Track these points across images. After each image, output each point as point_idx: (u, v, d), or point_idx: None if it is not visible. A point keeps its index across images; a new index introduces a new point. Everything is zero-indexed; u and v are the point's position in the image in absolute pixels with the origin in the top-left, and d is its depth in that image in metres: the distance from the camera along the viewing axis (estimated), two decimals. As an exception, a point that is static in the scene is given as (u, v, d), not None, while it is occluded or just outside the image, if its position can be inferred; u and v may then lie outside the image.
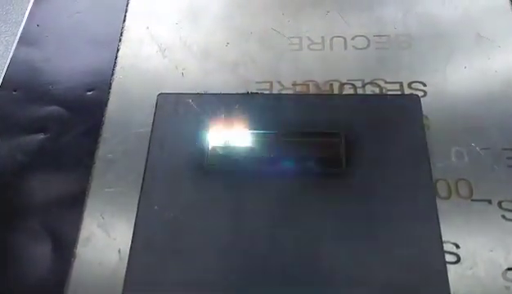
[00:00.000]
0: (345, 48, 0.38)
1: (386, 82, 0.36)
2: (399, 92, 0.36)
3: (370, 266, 0.29)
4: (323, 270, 0.29)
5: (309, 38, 0.39)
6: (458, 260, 0.29)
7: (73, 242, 0.31)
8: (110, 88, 0.38)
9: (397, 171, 0.32)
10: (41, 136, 0.37)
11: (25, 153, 0.36)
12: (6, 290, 0.30)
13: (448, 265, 0.29)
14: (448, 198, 0.31)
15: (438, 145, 0.33)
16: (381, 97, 0.35)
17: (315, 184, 0.32)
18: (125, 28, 0.41)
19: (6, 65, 0.40)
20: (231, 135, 0.34)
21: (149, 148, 0.34)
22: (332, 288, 0.28)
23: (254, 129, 0.34)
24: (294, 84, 0.37)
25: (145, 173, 0.33)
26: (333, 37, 0.39)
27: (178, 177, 0.33)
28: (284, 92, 0.37)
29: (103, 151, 0.35)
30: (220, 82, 0.38)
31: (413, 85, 0.36)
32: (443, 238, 0.29)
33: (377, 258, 0.29)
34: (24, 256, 0.32)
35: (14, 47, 0.42)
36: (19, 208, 0.34)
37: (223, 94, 0.36)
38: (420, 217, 0.30)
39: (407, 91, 0.36)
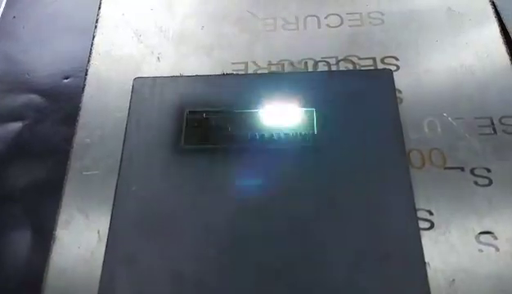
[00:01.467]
0: (319, 27, 0.39)
1: (359, 59, 0.37)
2: (372, 68, 0.36)
3: (343, 235, 0.29)
4: (300, 241, 0.29)
5: (283, 19, 0.40)
6: (432, 226, 0.30)
7: (52, 226, 0.32)
8: (86, 75, 0.38)
9: (370, 144, 0.32)
10: (19, 124, 0.37)
11: (3, 142, 0.36)
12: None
13: (422, 232, 0.29)
14: (422, 167, 0.32)
15: (411, 118, 0.34)
16: (354, 72, 0.36)
17: (290, 159, 0.32)
18: (100, 15, 0.41)
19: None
20: (206, 115, 0.34)
21: (125, 131, 0.34)
22: (306, 256, 0.29)
23: (230, 108, 0.34)
24: (270, 64, 0.37)
25: (122, 155, 0.33)
26: (307, 17, 0.39)
27: (155, 159, 0.33)
28: (258, 72, 0.37)
29: (80, 136, 0.35)
30: (196, 65, 0.38)
31: (386, 60, 0.37)
32: (417, 206, 0.30)
33: (351, 226, 0.29)
34: (4, 240, 0.32)
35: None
36: (2, 196, 0.34)
37: (199, 76, 0.36)
38: (394, 186, 0.30)
39: (380, 66, 0.36)
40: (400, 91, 0.35)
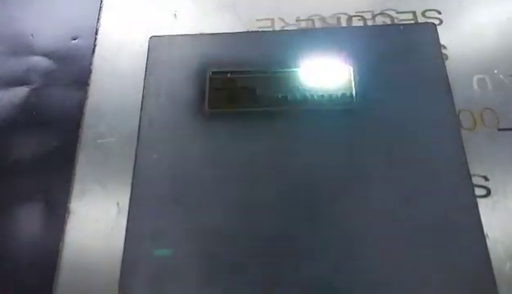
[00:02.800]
0: (351, -22, 0.35)
1: (398, 12, 0.33)
2: (413, 22, 0.33)
3: (394, 206, 0.26)
4: (342, 212, 0.26)
5: (311, -30, 0.36)
6: (488, 194, 0.27)
7: (66, 197, 0.29)
8: (96, 34, 0.35)
9: (415, 105, 0.29)
10: (24, 89, 0.33)
11: (8, 108, 0.33)
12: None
13: (478, 199, 0.26)
14: (473, 128, 0.29)
15: (459, 75, 0.31)
16: (394, 28, 0.32)
17: (327, 123, 0.29)
18: (110, -31, 0.37)
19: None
20: (232, 76, 0.31)
21: (143, 95, 0.31)
22: (355, 225, 0.26)
23: (257, 68, 0.31)
24: (298, 20, 0.34)
25: (140, 121, 0.30)
26: (337, -32, 0.36)
27: (177, 124, 0.30)
28: (287, 29, 0.33)
29: (92, 101, 0.32)
30: (217, 22, 0.35)
31: (427, 13, 0.33)
32: (471, 172, 0.27)
33: (402, 197, 0.26)
34: (12, 216, 0.29)
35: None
36: (6, 166, 0.31)
37: (221, 33, 0.33)
38: (445, 151, 0.28)
39: (421, 20, 0.33)
40: (445, 47, 0.32)
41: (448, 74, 0.30)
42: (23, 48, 0.35)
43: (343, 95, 0.30)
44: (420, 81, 0.30)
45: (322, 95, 0.30)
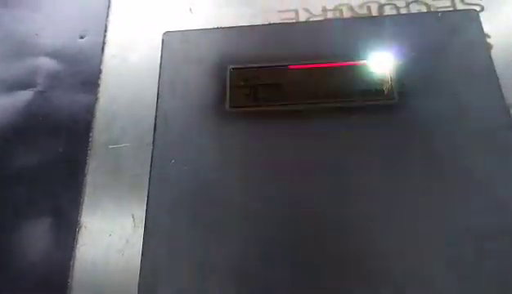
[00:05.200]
0: (381, -36, 0.32)
1: (434, -1, 0.30)
2: (451, 9, 0.30)
3: (442, 213, 0.23)
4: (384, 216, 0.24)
5: (337, -43, 0.33)
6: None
7: (76, 210, 0.26)
8: (106, 31, 0.32)
9: (462, 101, 0.26)
10: (28, 93, 0.31)
11: (12, 113, 0.30)
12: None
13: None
14: (527, 125, 0.26)
15: (506, 66, 0.27)
16: (432, 15, 0.29)
17: (362, 122, 0.26)
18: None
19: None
20: (254, 72, 0.28)
21: (158, 93, 0.28)
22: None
23: (282, 63, 0.28)
24: (324, 10, 0.31)
25: (156, 123, 0.28)
26: (365, -47, 0.33)
27: (196, 125, 0.27)
28: (313, 20, 0.31)
29: (103, 103, 0.29)
30: (234, 15, 0.32)
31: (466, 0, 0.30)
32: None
33: (452, 203, 0.23)
34: (17, 230, 0.26)
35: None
36: (11, 176, 0.28)
37: (241, 26, 0.30)
38: (499, 151, 0.24)
39: (460, 7, 0.30)
40: (488, 36, 0.29)
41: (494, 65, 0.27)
42: (27, 48, 0.32)
43: (381, 89, 0.27)
44: (465, 74, 0.27)
45: (357, 91, 0.27)
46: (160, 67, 0.30)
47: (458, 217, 0.23)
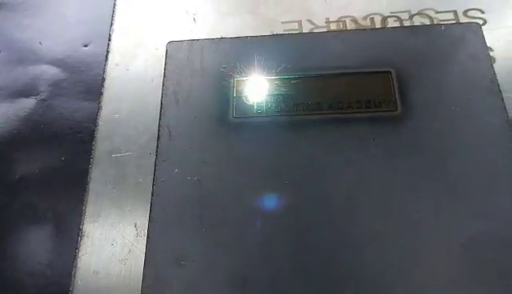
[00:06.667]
0: (384, -23, 0.33)
1: (437, 12, 0.31)
2: (454, 22, 0.30)
3: (451, 218, 0.23)
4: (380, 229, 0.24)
5: (340, -31, 0.33)
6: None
7: (78, 217, 0.26)
8: (109, 40, 0.32)
9: (464, 114, 0.26)
10: (31, 101, 0.31)
11: (14, 122, 0.30)
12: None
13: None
14: (530, 138, 0.26)
15: (509, 79, 0.28)
16: (435, 28, 0.30)
17: (365, 132, 0.26)
18: (123, -30, 0.35)
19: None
20: (258, 83, 0.28)
21: (161, 103, 0.28)
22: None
23: (287, 73, 0.28)
24: (328, 21, 0.31)
25: (159, 132, 0.28)
26: (368, -34, 0.33)
27: (199, 134, 0.27)
28: (316, 31, 0.31)
29: (106, 111, 0.29)
30: (238, 25, 0.32)
31: (469, 13, 0.31)
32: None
33: (458, 215, 0.23)
34: (19, 239, 0.26)
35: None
36: (12, 184, 0.28)
37: (245, 37, 0.30)
38: (502, 166, 0.25)
39: (463, 20, 0.30)
40: (491, 49, 0.29)
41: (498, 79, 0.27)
42: (30, 56, 0.32)
43: (384, 101, 0.27)
44: (467, 86, 0.27)
45: (360, 102, 0.27)
46: (164, 76, 0.30)
47: (460, 228, 0.23)
